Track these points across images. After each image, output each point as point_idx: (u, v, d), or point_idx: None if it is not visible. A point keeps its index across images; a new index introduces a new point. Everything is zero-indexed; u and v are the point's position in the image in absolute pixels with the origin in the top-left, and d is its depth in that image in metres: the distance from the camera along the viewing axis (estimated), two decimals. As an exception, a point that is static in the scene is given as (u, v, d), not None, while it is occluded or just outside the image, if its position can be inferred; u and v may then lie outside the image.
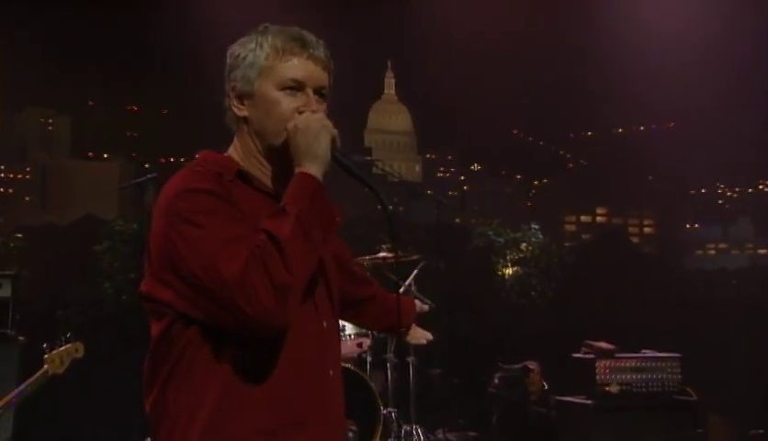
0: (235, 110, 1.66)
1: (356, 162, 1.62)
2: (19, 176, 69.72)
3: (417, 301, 2.27)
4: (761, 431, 5.21)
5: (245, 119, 1.65)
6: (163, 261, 1.51)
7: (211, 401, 1.51)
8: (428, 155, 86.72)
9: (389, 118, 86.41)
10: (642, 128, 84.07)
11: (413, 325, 2.22)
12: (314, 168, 1.56)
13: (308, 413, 1.57)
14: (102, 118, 70.74)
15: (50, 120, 72.15)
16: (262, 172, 1.65)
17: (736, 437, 5.41)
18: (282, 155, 1.61)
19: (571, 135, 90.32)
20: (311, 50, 1.64)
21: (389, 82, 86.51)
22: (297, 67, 1.63)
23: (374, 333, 4.60)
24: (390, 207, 1.63)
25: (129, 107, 76.05)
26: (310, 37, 1.67)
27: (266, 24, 1.68)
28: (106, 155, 73.13)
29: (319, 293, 1.64)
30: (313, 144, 1.57)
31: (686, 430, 4.42)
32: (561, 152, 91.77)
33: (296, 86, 1.63)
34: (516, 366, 5.31)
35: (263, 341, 1.51)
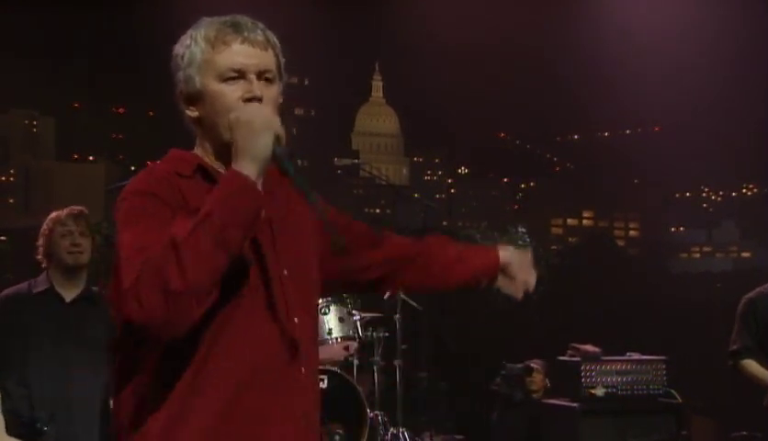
0: (187, 113, 1.62)
1: (297, 165, 1.54)
2: (2, 179, 69.07)
3: (506, 249, 1.92)
4: (743, 433, 5.27)
5: (199, 120, 1.61)
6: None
7: (163, 410, 1.48)
8: (415, 158, 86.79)
9: (377, 121, 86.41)
10: (628, 131, 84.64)
11: (510, 271, 1.91)
12: (248, 166, 1.47)
13: (272, 413, 1.52)
14: (87, 120, 70.17)
15: (35, 122, 71.53)
16: (221, 170, 1.58)
17: (719, 440, 5.46)
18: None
19: (558, 139, 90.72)
20: (246, 34, 1.57)
21: (377, 84, 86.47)
22: (233, 54, 1.56)
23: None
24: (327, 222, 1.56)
25: (114, 109, 75.56)
26: (245, 20, 1.59)
27: (204, 17, 1.61)
28: (91, 157, 72.50)
29: (285, 289, 1.57)
30: (252, 143, 1.48)
31: (671, 432, 4.45)
32: (548, 156, 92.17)
33: (237, 75, 1.56)
34: (519, 365, 5.36)
35: (217, 348, 1.48)
